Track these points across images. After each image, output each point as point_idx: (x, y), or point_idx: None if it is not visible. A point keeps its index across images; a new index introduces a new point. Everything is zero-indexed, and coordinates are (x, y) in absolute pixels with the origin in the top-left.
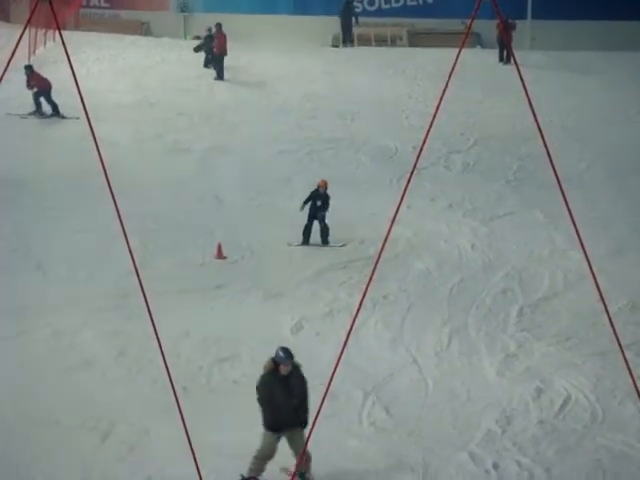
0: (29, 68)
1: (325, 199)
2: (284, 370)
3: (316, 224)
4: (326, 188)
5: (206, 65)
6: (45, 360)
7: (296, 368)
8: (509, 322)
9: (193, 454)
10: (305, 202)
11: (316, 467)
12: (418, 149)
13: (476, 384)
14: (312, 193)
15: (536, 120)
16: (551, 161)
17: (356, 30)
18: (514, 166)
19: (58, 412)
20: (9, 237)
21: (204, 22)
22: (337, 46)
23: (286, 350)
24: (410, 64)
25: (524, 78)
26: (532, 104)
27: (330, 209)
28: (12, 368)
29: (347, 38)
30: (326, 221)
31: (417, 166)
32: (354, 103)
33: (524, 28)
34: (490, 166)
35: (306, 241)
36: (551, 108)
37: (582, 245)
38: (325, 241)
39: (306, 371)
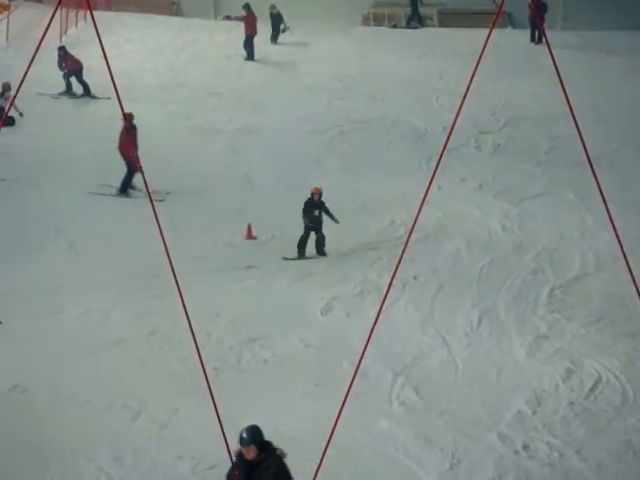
0: (62, 49)
1: (321, 206)
2: (247, 454)
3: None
4: (320, 195)
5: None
6: (76, 339)
7: (273, 458)
8: (539, 303)
9: (223, 434)
10: (305, 215)
11: (345, 447)
12: (448, 130)
13: (506, 365)
14: (307, 203)
15: (567, 100)
16: (582, 141)
17: (387, 10)
18: (545, 146)
19: (89, 391)
20: (41, 217)
21: (234, 2)
22: (395, 26)
23: (250, 430)
24: (441, 44)
25: (555, 58)
26: (563, 84)
27: (325, 216)
28: (44, 347)
29: (415, 18)
30: (322, 230)
31: (447, 147)
32: (384, 83)
33: (556, 8)
34: (521, 147)
35: (302, 254)
36: (582, 88)
37: (613, 226)
38: (321, 252)
39: (336, 351)
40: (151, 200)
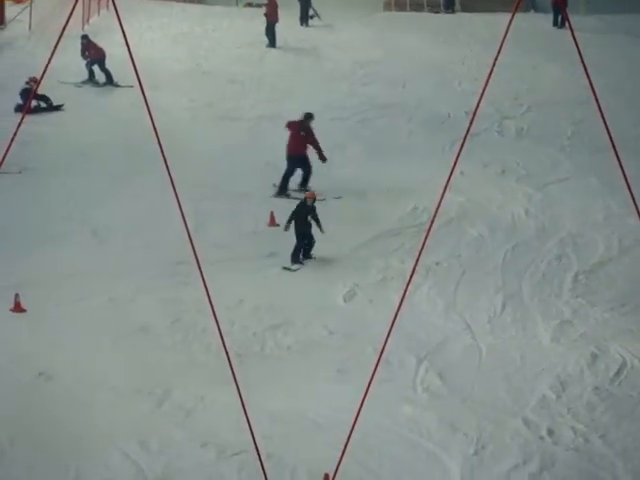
0: (85, 38)
1: (313, 213)
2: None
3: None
4: (314, 200)
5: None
6: (101, 326)
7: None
8: (564, 288)
9: (248, 421)
10: (290, 220)
11: (369, 432)
12: (471, 115)
13: (530, 350)
14: (298, 207)
15: (591, 85)
16: (606, 126)
17: None
18: (568, 131)
19: (115, 378)
20: (66, 204)
21: None
22: (438, 12)
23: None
24: (463, 29)
25: (578, 42)
26: (586, 68)
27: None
28: (69, 335)
29: (450, 2)
30: (313, 236)
31: (470, 132)
32: (406, 69)
33: None
34: (544, 131)
35: (297, 261)
36: (605, 72)
37: (637, 210)
38: (307, 255)
39: (359, 338)
40: (174, 187)
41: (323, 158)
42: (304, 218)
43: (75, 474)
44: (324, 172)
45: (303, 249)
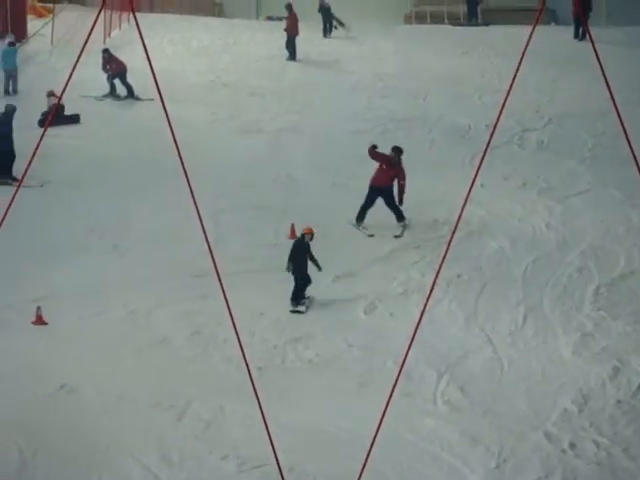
0: (107, 51)
1: (309, 250)
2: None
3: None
4: (312, 237)
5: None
6: (122, 339)
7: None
8: (585, 301)
9: (268, 433)
10: (290, 258)
11: (390, 446)
12: (491, 127)
13: (552, 363)
14: (295, 245)
15: (612, 96)
16: (627, 138)
17: (429, 8)
18: (589, 143)
19: (135, 390)
20: (86, 218)
21: (276, 3)
22: (461, 24)
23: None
24: (483, 42)
25: (599, 54)
26: (607, 81)
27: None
28: (90, 347)
29: (472, 14)
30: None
31: (490, 144)
32: (426, 82)
33: (600, 4)
34: (565, 144)
35: (298, 302)
36: (627, 85)
37: None
38: (296, 299)
39: (380, 351)
40: (194, 200)
41: (400, 201)
42: (301, 256)
43: None
44: (344, 183)
45: (294, 292)
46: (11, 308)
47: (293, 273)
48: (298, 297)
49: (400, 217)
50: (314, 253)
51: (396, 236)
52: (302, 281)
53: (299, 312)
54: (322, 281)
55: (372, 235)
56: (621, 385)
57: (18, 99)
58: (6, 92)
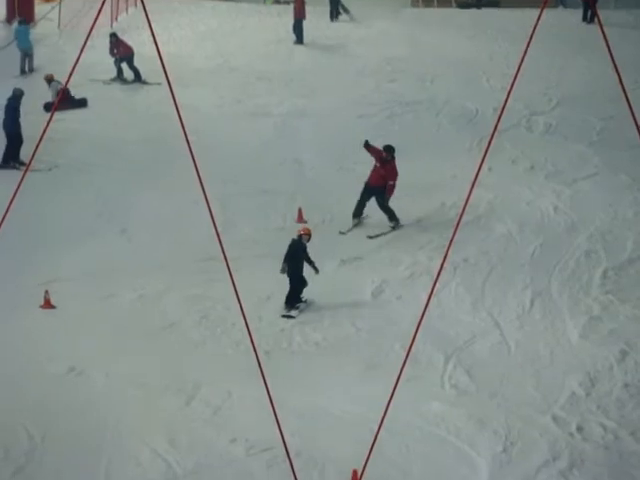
0: (114, 35)
1: (305, 252)
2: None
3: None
4: (309, 238)
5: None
6: (130, 323)
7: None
8: (593, 285)
9: (276, 417)
10: (286, 260)
11: (397, 429)
12: (499, 111)
13: (559, 347)
14: (292, 246)
15: (620, 80)
16: (635, 121)
17: None
18: (597, 127)
19: (144, 374)
20: (94, 202)
21: None
22: (471, 6)
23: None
24: (491, 24)
25: (608, 37)
26: (616, 64)
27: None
28: (99, 331)
29: None
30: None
31: (498, 128)
32: (434, 65)
33: None
34: (573, 127)
35: (291, 306)
36: (636, 67)
37: None
38: (298, 299)
39: (387, 334)
40: (202, 184)
41: (386, 201)
42: (298, 257)
43: (105, 470)
44: (351, 167)
45: (287, 296)
46: (19, 292)
47: (288, 275)
48: (292, 300)
49: (391, 218)
50: (323, 235)
51: (369, 237)
52: (298, 284)
53: (290, 317)
54: (329, 265)
55: (343, 233)
56: (629, 368)
57: (26, 83)
58: (22, 72)
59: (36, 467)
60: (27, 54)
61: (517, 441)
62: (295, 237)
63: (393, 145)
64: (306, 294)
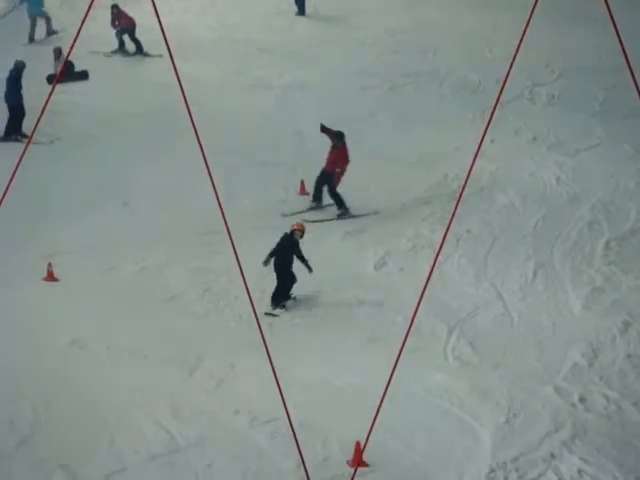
0: (115, 7)
1: (298, 248)
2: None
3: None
4: (303, 234)
5: None
6: (133, 295)
7: None
8: (595, 255)
9: (279, 388)
10: (272, 254)
11: (400, 401)
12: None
13: (562, 318)
14: (284, 240)
15: (623, 49)
16: (638, 91)
17: None
18: (600, 97)
19: (146, 346)
20: (96, 174)
21: None
22: None
23: None
24: None
25: (611, 7)
26: (619, 33)
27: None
28: (101, 303)
29: None
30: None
31: (500, 99)
32: (436, 36)
33: None
34: (576, 98)
35: (277, 304)
36: (639, 37)
37: None
38: (286, 296)
39: (390, 306)
40: (204, 156)
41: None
42: (289, 253)
43: (109, 440)
44: (353, 139)
45: (274, 294)
46: (22, 265)
47: (275, 271)
48: (279, 297)
49: (339, 206)
50: (326, 208)
51: (306, 221)
52: (286, 280)
53: (273, 315)
54: (332, 237)
55: (284, 215)
56: (631, 339)
57: (33, 52)
58: (31, 40)
59: (40, 438)
60: (41, 19)
61: (520, 412)
62: (287, 232)
63: (342, 132)
64: (296, 290)
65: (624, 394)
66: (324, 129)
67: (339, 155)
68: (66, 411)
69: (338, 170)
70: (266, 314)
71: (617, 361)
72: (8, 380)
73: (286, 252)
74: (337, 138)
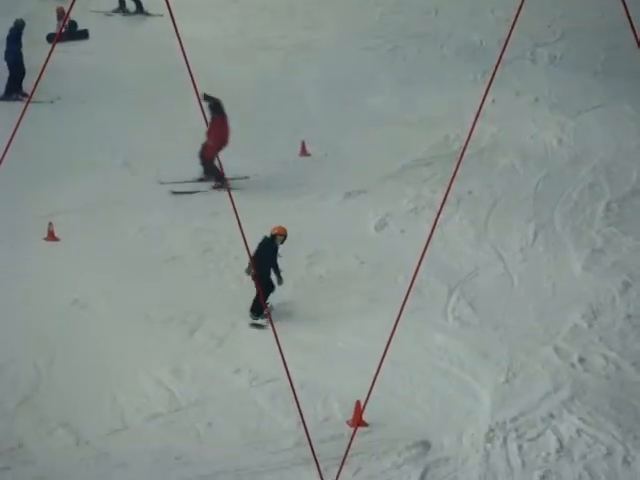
0: None
1: (274, 255)
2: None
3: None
4: (284, 239)
5: None
6: (133, 255)
7: None
8: (596, 217)
9: (280, 349)
10: (255, 261)
11: (401, 361)
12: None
13: (562, 279)
14: (262, 245)
15: (626, 10)
16: None
17: None
18: (602, 57)
19: (147, 306)
20: (97, 134)
21: None
22: None
23: None
24: None
25: None
26: None
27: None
28: (102, 263)
29: None
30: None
31: (502, 60)
32: None
33: None
34: (577, 58)
35: (260, 312)
36: None
37: None
38: (256, 311)
39: (390, 267)
40: (204, 116)
41: (202, 162)
42: (267, 259)
43: (110, 399)
44: (355, 100)
45: (254, 303)
46: (23, 224)
47: (252, 277)
48: (260, 307)
49: (212, 178)
50: (327, 169)
51: (174, 192)
52: (264, 288)
53: (260, 326)
54: (333, 198)
55: (162, 183)
56: (631, 300)
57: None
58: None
59: (42, 397)
60: None
61: (519, 372)
62: (267, 236)
63: (218, 100)
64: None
65: (623, 354)
66: (205, 97)
67: (214, 126)
68: (68, 370)
69: (210, 143)
70: (252, 325)
71: (617, 322)
72: (9, 339)
73: (266, 257)
74: (211, 109)
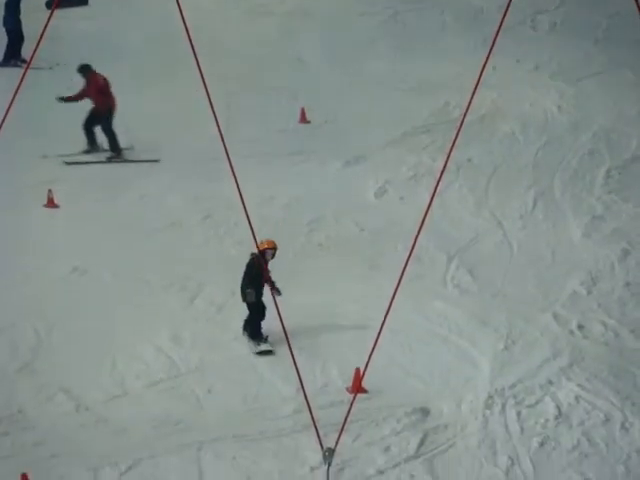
0: None
1: (265, 271)
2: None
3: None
4: (274, 252)
5: None
6: (133, 222)
7: None
8: (596, 184)
9: (279, 314)
10: (249, 284)
11: (400, 328)
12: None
13: (561, 246)
14: (251, 266)
15: None
16: None
17: None
18: (603, 24)
19: (148, 272)
20: None
21: None
22: None
23: None
24: None
25: None
26: None
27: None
28: (102, 230)
29: None
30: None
31: (503, 26)
32: None
33: None
34: (578, 25)
35: (260, 338)
36: None
37: None
38: (252, 336)
39: (390, 235)
40: (204, 83)
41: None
42: (257, 279)
43: (110, 365)
44: (355, 67)
45: (254, 321)
46: (22, 191)
47: (244, 301)
48: (260, 333)
49: (113, 147)
50: (326, 136)
51: (66, 162)
52: (254, 313)
53: (269, 352)
54: (332, 166)
55: (68, 163)
56: (630, 267)
57: None
58: None
59: (42, 363)
60: None
61: (518, 339)
62: (255, 252)
63: (84, 65)
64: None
65: (622, 321)
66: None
67: (87, 90)
68: (67, 336)
69: (95, 111)
70: (258, 353)
71: (616, 289)
72: (9, 305)
73: (255, 278)
74: (80, 72)
